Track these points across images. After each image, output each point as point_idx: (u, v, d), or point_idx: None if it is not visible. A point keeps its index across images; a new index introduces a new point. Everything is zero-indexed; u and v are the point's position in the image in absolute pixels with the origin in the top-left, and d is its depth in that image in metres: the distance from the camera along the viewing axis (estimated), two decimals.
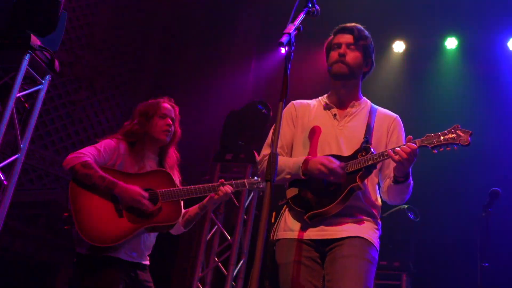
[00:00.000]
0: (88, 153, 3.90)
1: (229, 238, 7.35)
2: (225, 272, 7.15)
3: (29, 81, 4.88)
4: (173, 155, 4.26)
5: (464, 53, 8.39)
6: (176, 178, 4.16)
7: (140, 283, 3.92)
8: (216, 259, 7.37)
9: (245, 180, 4.19)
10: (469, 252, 5.79)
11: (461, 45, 8.39)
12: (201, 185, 4.07)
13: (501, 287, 6.45)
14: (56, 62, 4.91)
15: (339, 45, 3.33)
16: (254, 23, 9.20)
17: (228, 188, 4.04)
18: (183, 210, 4.05)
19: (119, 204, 3.85)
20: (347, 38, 3.33)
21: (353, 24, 3.38)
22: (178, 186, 4.02)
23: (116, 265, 3.79)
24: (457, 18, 8.26)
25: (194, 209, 4.15)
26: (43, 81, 4.96)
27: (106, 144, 4.02)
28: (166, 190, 3.94)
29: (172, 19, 9.30)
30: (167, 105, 4.23)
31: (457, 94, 8.15)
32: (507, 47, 8.12)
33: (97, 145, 4.02)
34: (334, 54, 3.33)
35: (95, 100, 8.32)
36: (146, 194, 3.85)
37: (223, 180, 4.11)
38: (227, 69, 8.85)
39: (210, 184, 4.11)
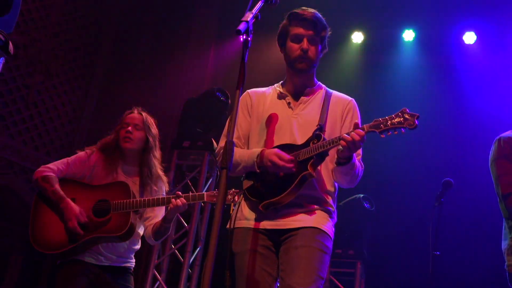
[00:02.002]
0: (54, 167, 4.19)
1: (186, 225, 7.33)
2: (181, 260, 7.14)
3: None
4: (152, 164, 4.32)
5: (421, 45, 8.51)
6: (152, 192, 4.27)
7: (111, 285, 4.09)
8: (172, 246, 7.35)
9: (205, 193, 4.15)
10: (422, 241, 5.89)
11: (418, 38, 8.51)
12: (155, 197, 4.16)
13: (451, 275, 6.60)
14: (10, 44, 4.77)
15: (300, 38, 3.31)
16: (213, 10, 9.14)
17: (179, 201, 4.03)
18: (134, 221, 4.10)
19: None
20: (309, 31, 3.30)
21: (311, 12, 3.33)
22: (135, 198, 4.09)
23: (78, 266, 4.02)
24: (415, 11, 8.36)
25: (159, 221, 4.19)
26: None
27: (77, 157, 4.30)
28: (119, 201, 4.06)
29: (129, 3, 9.17)
30: (133, 114, 4.40)
31: (413, 86, 8.26)
32: (463, 41, 8.27)
33: (69, 158, 4.29)
34: (295, 48, 3.31)
35: (50, 84, 8.16)
36: (83, 219, 4.00)
37: (179, 192, 4.13)
38: (185, 55, 8.78)
39: (164, 196, 4.19)
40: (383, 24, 8.59)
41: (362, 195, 7.13)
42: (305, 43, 3.29)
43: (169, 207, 4.05)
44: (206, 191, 7.45)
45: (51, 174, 4.14)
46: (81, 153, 4.32)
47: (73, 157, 4.29)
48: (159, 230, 4.18)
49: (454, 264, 6.62)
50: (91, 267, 4.04)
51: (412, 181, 7.52)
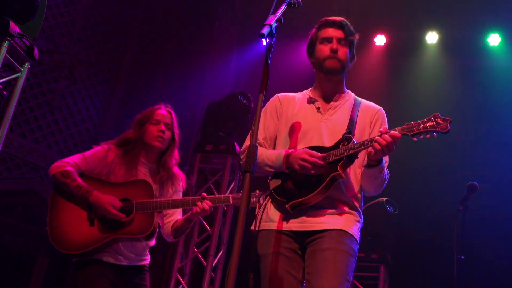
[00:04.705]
0: (72, 162, 4.00)
1: (209, 228, 7.35)
2: (204, 263, 7.16)
3: (8, 68, 4.80)
4: (172, 163, 4.20)
5: (445, 47, 8.45)
6: (169, 189, 4.16)
7: (129, 285, 3.96)
8: (195, 249, 7.38)
9: (230, 195, 4.06)
10: (446, 245, 5.85)
11: (441, 40, 8.45)
12: (179, 199, 4.07)
13: (476, 280, 6.53)
14: (35, 50, 4.83)
15: (329, 40, 3.32)
16: (236, 14, 9.18)
17: (206, 205, 3.92)
18: (156, 222, 4.00)
19: (92, 213, 3.92)
20: (338, 33, 3.32)
21: (340, 18, 3.36)
22: (156, 198, 3.98)
23: (97, 265, 3.86)
24: (438, 13, 8.31)
25: (180, 220, 4.09)
26: (22, 69, 4.89)
27: (95, 152, 4.11)
28: (141, 201, 3.94)
29: (153, 8, 9.24)
30: (162, 111, 4.23)
31: (437, 88, 8.21)
32: (487, 43, 8.19)
33: (85, 152, 4.10)
34: (325, 49, 3.31)
35: (74, 88, 8.24)
36: (118, 204, 3.88)
37: (204, 194, 4.01)
38: (208, 59, 8.82)
39: (189, 198, 4.05)
40: (406, 27, 8.56)
41: (385, 199, 7.09)
42: (334, 44, 3.30)
43: (194, 210, 3.94)
44: (228, 194, 7.48)
45: (70, 168, 3.94)
46: (98, 148, 4.14)
47: (90, 151, 4.10)
48: (180, 230, 4.09)
49: (479, 268, 6.55)
50: (110, 266, 3.89)
51: (436, 184, 7.46)
